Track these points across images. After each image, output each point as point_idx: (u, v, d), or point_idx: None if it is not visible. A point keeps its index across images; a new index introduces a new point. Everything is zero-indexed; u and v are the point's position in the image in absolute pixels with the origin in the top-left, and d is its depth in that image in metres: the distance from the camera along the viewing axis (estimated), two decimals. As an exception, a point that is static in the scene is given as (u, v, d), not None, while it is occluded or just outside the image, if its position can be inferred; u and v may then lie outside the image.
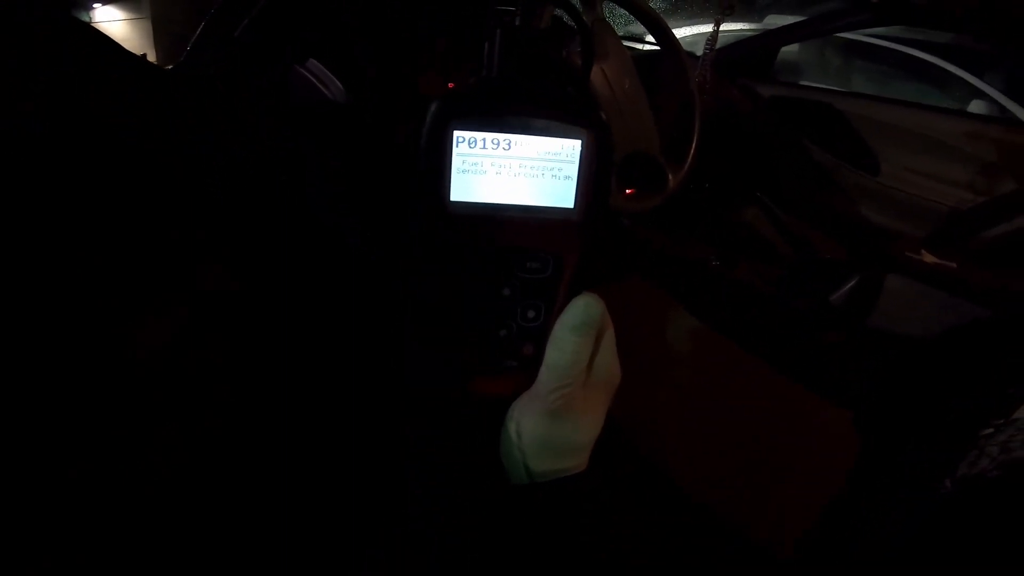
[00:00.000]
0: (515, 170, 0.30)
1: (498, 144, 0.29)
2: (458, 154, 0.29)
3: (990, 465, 0.82)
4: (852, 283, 1.13)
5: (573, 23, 0.76)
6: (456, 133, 0.29)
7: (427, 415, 0.40)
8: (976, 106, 3.14)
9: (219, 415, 0.40)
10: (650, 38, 0.85)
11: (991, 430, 0.85)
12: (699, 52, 1.08)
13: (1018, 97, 3.12)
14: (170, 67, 0.82)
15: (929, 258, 1.07)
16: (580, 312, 0.31)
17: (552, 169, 0.30)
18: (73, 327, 0.35)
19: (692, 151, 0.77)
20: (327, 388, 0.50)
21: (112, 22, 2.97)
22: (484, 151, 0.29)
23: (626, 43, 1.24)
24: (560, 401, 0.31)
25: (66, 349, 0.34)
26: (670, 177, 0.75)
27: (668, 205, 0.75)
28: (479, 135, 0.29)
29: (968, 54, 3.25)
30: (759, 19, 3.48)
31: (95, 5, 3.29)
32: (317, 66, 0.68)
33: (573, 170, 0.30)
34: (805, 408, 1.08)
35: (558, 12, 0.81)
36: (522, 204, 0.31)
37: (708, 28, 1.00)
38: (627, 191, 0.73)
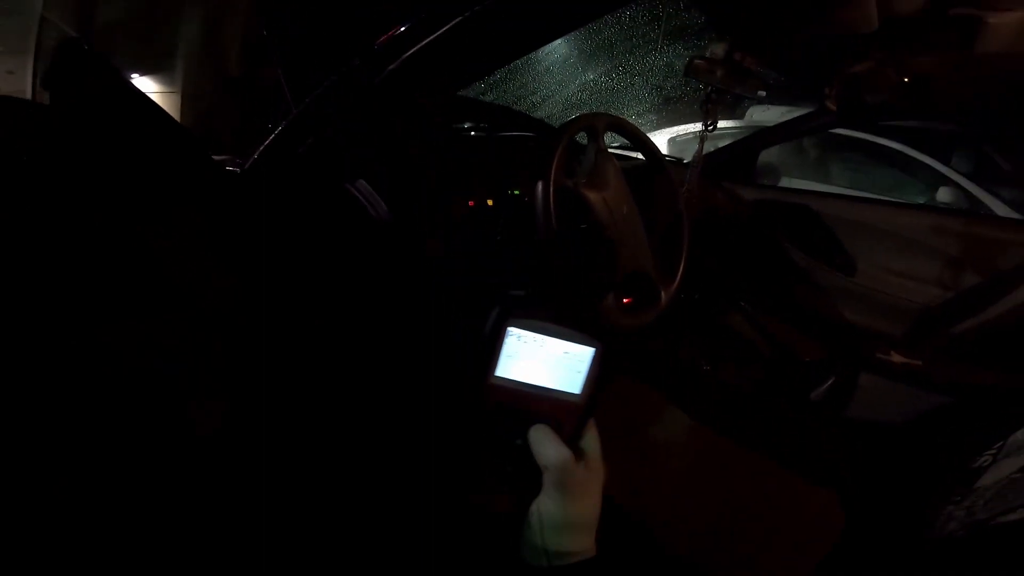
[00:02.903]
0: (543, 360, 0.43)
1: (536, 341, 0.42)
2: (507, 344, 0.42)
3: (957, 527, 0.94)
4: (829, 382, 1.23)
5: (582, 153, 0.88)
6: (509, 330, 0.41)
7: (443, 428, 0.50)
8: (944, 193, 3.35)
9: (219, 415, 0.44)
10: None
11: (958, 498, 0.96)
12: (688, 150, 1.21)
13: (982, 181, 3.32)
14: (235, 168, 0.91)
15: (898, 357, 1.18)
16: (534, 435, 0.43)
17: (570, 364, 0.43)
18: (73, 333, 0.37)
19: (681, 269, 0.88)
20: (333, 393, 0.55)
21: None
22: (525, 344, 0.42)
23: (623, 152, 1.40)
24: (565, 480, 0.41)
25: (64, 353, 0.37)
26: (662, 294, 0.86)
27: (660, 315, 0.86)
28: (525, 333, 0.42)
29: (934, 139, 3.45)
30: (743, 115, 3.75)
31: (132, 76, 3.49)
32: (365, 187, 0.79)
33: (584, 367, 0.44)
34: (791, 489, 1.14)
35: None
36: (544, 386, 0.43)
37: (694, 127, 1.14)
38: (624, 300, 0.83)
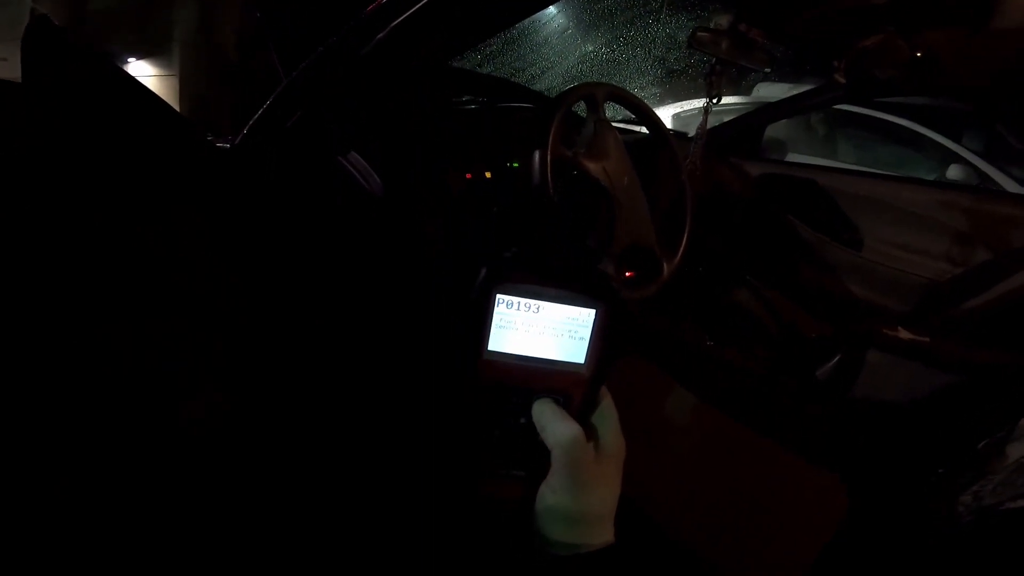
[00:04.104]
0: (540, 329, 0.38)
1: (530, 307, 0.37)
2: (498, 313, 0.37)
3: (965, 512, 0.92)
4: (835, 359, 1.21)
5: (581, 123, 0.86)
6: (498, 296, 0.37)
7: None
8: (954, 171, 3.28)
9: (219, 414, 0.43)
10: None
11: (965, 482, 0.94)
12: (692, 126, 1.19)
13: (994, 159, 3.26)
14: (225, 145, 0.89)
15: (905, 334, 1.16)
16: (537, 411, 0.39)
17: (570, 331, 0.38)
18: (72, 333, 0.36)
19: (684, 241, 0.86)
20: (331, 381, 0.53)
21: (143, 77, 3.15)
22: (518, 312, 0.37)
23: (625, 125, 1.37)
24: (576, 461, 0.37)
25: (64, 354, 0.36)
26: (665, 266, 0.83)
27: (664, 290, 0.84)
28: (516, 299, 0.37)
29: (944, 117, 3.37)
30: (748, 91, 3.68)
31: (130, 59, 3.46)
32: (358, 160, 0.77)
33: (587, 333, 0.38)
34: (795, 471, 1.14)
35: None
36: (544, 358, 0.38)
37: (699, 103, 1.11)
38: (627, 274, 0.81)
